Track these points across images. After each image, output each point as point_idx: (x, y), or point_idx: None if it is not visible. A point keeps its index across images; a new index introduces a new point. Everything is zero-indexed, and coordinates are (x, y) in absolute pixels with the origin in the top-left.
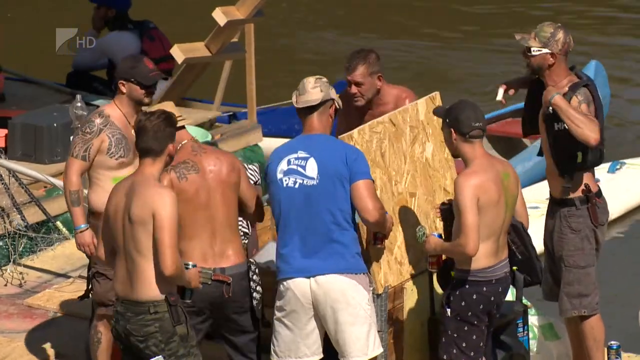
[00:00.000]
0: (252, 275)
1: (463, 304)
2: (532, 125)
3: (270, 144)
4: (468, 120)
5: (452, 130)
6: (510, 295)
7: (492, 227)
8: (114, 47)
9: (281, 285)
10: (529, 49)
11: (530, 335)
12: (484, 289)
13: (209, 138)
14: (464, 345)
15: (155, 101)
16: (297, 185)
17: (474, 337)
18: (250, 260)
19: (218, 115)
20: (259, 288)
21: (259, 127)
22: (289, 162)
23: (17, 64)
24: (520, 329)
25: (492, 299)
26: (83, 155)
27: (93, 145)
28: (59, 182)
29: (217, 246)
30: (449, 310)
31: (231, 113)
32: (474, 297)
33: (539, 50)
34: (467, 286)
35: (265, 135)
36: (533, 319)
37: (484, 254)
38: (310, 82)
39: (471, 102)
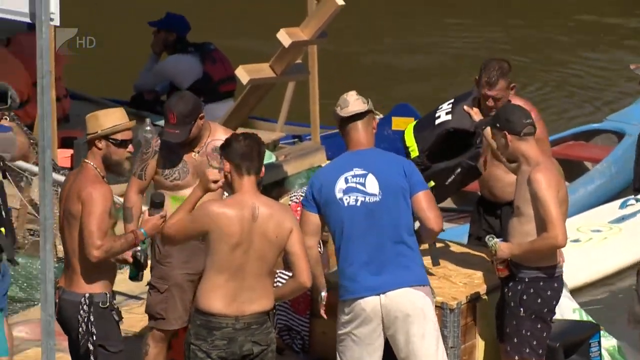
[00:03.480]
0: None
1: (539, 301)
2: None
3: None
4: (519, 119)
5: (506, 132)
6: (579, 315)
7: None
8: (174, 70)
9: (349, 303)
10: None
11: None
12: (555, 284)
13: (273, 159)
14: (534, 343)
15: (220, 121)
16: (359, 203)
17: (545, 334)
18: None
19: (282, 136)
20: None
21: (322, 148)
22: (346, 181)
23: (82, 84)
24: (594, 349)
25: (560, 294)
26: (139, 174)
27: (149, 165)
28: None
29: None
30: (522, 310)
31: (296, 139)
32: (549, 293)
33: None
34: (541, 283)
35: (329, 157)
36: (602, 341)
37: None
38: (352, 95)
39: (513, 104)
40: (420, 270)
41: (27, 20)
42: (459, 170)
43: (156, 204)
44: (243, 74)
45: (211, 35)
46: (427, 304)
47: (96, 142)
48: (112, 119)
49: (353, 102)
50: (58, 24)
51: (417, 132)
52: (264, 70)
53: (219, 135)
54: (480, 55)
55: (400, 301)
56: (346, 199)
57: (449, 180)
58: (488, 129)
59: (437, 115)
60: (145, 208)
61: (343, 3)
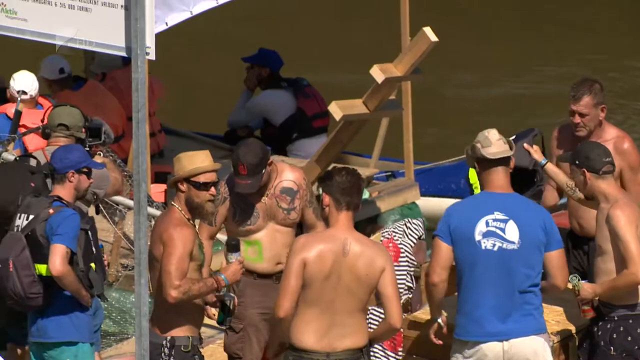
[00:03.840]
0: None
1: (629, 339)
2: None
3: (427, 203)
4: (599, 157)
5: (585, 170)
6: None
7: None
8: (267, 106)
9: (471, 345)
10: None
11: None
12: None
13: (367, 195)
14: None
15: (312, 160)
16: (495, 248)
17: None
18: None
19: (375, 172)
20: None
21: (416, 185)
22: (487, 224)
23: (176, 120)
24: None
25: None
26: (210, 220)
27: (219, 212)
28: None
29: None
30: (612, 349)
31: (389, 173)
32: (638, 330)
33: None
34: (630, 321)
35: (423, 194)
36: None
37: None
38: (494, 134)
39: (593, 141)
40: (541, 318)
41: (123, 54)
42: None
43: (233, 247)
44: (336, 110)
45: (304, 71)
46: (547, 350)
47: (179, 184)
48: (194, 161)
49: (496, 143)
50: (154, 57)
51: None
52: (357, 106)
53: (286, 175)
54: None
55: (523, 348)
56: (484, 242)
57: None
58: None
59: None
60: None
61: (436, 39)
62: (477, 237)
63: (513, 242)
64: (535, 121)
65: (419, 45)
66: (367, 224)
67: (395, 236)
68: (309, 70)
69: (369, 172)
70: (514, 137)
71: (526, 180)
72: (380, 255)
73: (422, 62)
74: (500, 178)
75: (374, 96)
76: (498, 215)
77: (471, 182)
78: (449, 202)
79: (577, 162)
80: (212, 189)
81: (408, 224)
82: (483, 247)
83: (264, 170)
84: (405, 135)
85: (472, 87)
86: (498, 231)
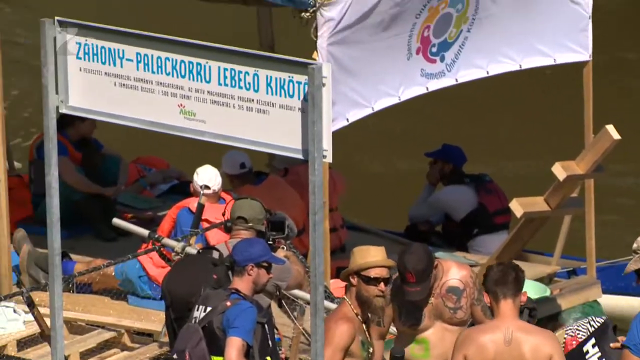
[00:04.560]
0: None
1: None
2: None
3: (609, 301)
4: None
5: None
6: None
7: None
8: (450, 201)
9: None
10: None
11: None
12: None
13: (547, 293)
14: None
15: (493, 257)
16: None
17: None
18: None
19: (557, 270)
20: None
21: (598, 283)
22: None
23: (358, 214)
24: None
25: None
26: (378, 320)
27: (386, 313)
28: None
29: None
30: None
31: (571, 269)
32: None
33: None
34: None
35: (604, 291)
36: None
37: None
38: None
39: None
40: None
41: (300, 156)
42: None
43: (396, 359)
44: (517, 207)
45: (486, 165)
46: None
47: (350, 277)
48: (367, 255)
49: None
50: (330, 160)
51: None
52: (538, 203)
53: (452, 274)
54: None
55: None
56: None
57: None
58: None
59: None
60: None
61: (619, 137)
62: None
63: None
64: None
65: (601, 142)
66: (548, 322)
67: (579, 334)
68: (490, 165)
69: (550, 270)
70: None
71: None
72: (548, 342)
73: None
74: None
75: (555, 193)
76: None
77: None
78: (631, 300)
79: None
80: (382, 284)
81: (592, 322)
82: None
83: (430, 275)
84: (587, 233)
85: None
86: None
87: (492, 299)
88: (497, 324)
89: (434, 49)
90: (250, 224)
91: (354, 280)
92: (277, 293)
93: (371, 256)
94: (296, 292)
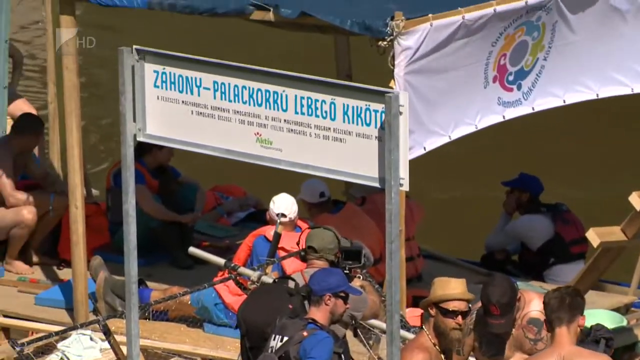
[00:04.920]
0: None
1: None
2: None
3: None
4: None
5: None
6: None
7: None
8: (526, 230)
9: None
10: None
11: None
12: None
13: (624, 323)
14: None
15: (571, 282)
16: None
17: None
18: None
19: (634, 300)
20: None
21: None
22: None
23: (436, 243)
24: None
25: None
26: (457, 349)
27: (466, 343)
28: None
29: None
30: None
31: None
32: None
33: None
34: None
35: None
36: None
37: None
38: None
39: None
40: None
41: (377, 185)
42: None
43: None
44: (594, 236)
45: (561, 194)
46: None
47: (429, 308)
48: (446, 287)
49: None
50: (407, 188)
51: None
52: (615, 233)
53: (533, 305)
54: None
55: None
56: None
57: None
58: None
59: None
60: None
61: None
62: None
63: None
64: None
65: None
66: (624, 352)
67: None
68: (566, 194)
69: (627, 300)
70: None
71: None
72: None
73: None
74: None
75: (632, 223)
76: None
77: None
78: None
79: None
80: (459, 317)
81: None
82: None
83: (514, 306)
84: None
85: None
86: None
87: (548, 326)
88: (551, 351)
89: (511, 77)
90: (320, 254)
91: (432, 311)
92: (353, 322)
93: (451, 288)
94: (372, 321)
